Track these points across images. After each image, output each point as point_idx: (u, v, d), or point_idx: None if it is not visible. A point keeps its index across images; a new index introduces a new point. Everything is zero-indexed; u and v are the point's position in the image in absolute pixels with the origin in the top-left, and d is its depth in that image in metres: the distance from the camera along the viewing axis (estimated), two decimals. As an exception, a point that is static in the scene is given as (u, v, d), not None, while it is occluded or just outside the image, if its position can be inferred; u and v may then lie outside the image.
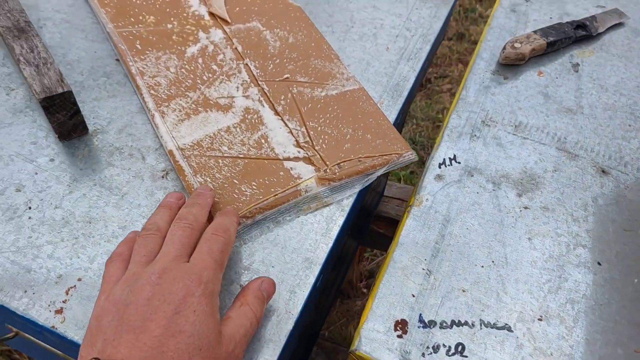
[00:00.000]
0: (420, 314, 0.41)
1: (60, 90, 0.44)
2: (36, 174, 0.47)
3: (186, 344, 0.33)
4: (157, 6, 0.59)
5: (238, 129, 0.50)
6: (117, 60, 0.55)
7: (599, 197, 0.48)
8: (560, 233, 0.46)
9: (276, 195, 0.45)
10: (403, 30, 0.61)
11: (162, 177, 0.48)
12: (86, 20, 0.59)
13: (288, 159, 0.48)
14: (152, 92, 0.51)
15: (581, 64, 0.58)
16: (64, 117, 0.46)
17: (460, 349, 0.40)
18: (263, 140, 0.49)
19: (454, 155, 0.50)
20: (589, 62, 0.58)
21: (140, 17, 0.57)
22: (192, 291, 0.35)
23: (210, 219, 0.43)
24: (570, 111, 0.54)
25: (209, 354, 0.33)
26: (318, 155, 0.48)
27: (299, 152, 0.49)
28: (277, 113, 0.51)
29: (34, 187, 0.46)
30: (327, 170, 0.47)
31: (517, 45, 0.56)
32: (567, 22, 0.60)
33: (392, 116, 0.54)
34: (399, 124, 0.55)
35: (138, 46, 0.54)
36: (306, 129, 0.50)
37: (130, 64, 0.53)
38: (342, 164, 0.48)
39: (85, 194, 0.46)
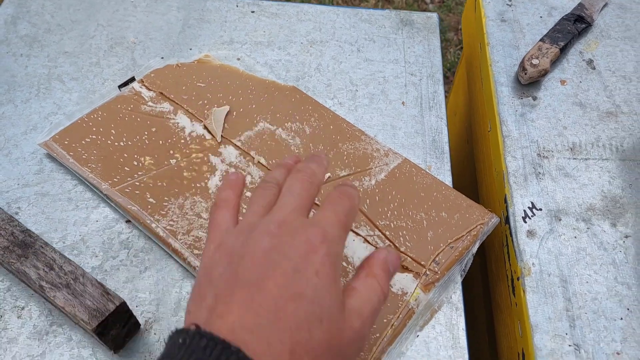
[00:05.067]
0: (594, 399, 0.38)
1: (111, 307, 0.36)
2: (106, 406, 0.38)
3: (305, 311, 0.27)
4: (147, 142, 0.49)
5: (311, 261, 0.43)
6: (128, 221, 0.46)
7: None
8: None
9: (392, 325, 0.40)
10: (408, 77, 0.56)
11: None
12: (66, 186, 0.48)
13: (380, 275, 0.42)
14: (196, 252, 0.43)
15: (593, 58, 0.56)
16: (118, 329, 0.38)
17: None
18: (345, 264, 0.43)
19: (532, 203, 0.47)
20: (599, 55, 0.57)
21: (135, 163, 0.48)
22: (315, 248, 0.29)
23: None
24: (610, 114, 0.52)
25: (332, 329, 0.28)
26: (409, 258, 0.43)
27: (386, 262, 0.43)
28: (340, 224, 0.45)
29: None
30: (428, 273, 0.42)
31: (534, 61, 0.53)
32: (564, 19, 0.58)
33: (447, 179, 0.50)
34: (457, 184, 0.51)
35: (151, 200, 0.45)
36: (380, 231, 0.45)
37: (153, 225, 0.44)
38: (436, 258, 0.43)
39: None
